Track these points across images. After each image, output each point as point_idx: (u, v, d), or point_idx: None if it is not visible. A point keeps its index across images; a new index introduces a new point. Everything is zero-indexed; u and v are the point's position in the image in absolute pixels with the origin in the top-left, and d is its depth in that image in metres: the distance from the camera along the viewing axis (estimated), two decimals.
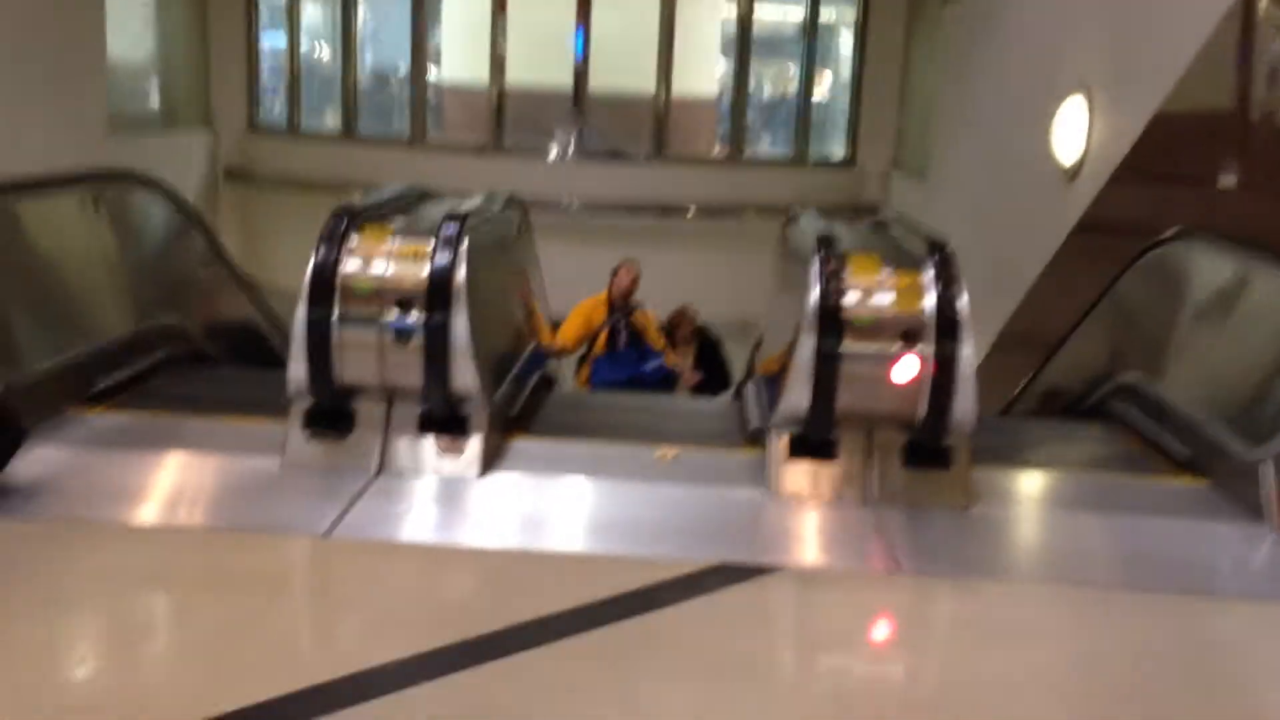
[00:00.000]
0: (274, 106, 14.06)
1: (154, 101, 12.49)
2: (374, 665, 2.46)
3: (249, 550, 3.10)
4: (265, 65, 13.86)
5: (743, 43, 13.79)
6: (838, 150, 14.31)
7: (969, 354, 3.59)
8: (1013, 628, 2.93)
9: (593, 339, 7.52)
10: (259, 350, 5.69)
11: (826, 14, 14.44)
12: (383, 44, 14.86)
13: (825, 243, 3.73)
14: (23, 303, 4.09)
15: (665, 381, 7.50)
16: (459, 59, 14.22)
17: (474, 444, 3.72)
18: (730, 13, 13.78)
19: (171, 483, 3.60)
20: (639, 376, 7.20)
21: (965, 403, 3.60)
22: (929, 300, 3.61)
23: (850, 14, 14.12)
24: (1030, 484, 4.02)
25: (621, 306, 7.60)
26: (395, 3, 13.76)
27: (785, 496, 3.66)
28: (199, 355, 5.10)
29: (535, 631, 2.67)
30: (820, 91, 14.75)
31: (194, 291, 5.51)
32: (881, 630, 3.00)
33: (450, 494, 3.61)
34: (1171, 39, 5.81)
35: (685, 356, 8.09)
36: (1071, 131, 7.32)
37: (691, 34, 13.89)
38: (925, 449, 3.68)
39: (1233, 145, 5.47)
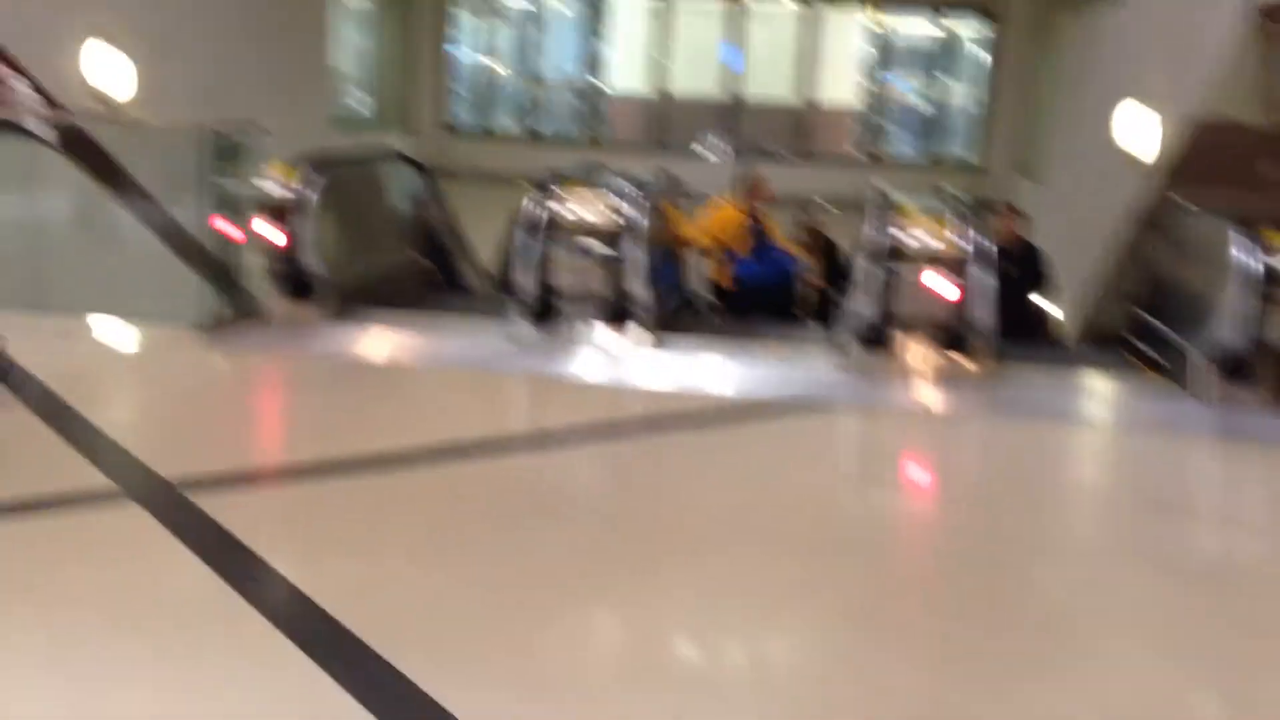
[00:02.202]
0: (462, 111, 16.43)
1: (363, 106, 14.94)
2: (563, 426, 4.28)
3: (496, 381, 4.98)
4: (456, 76, 16.23)
5: (879, 58, 15.41)
6: (968, 154, 15.74)
7: (985, 279, 5.18)
8: (991, 444, 4.56)
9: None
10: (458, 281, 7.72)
11: (964, 29, 15.91)
12: (555, 57, 17.07)
13: (884, 199, 5.37)
14: (351, 233, 6.12)
15: (795, 281, 7.73)
16: (626, 71, 16.33)
17: (643, 332, 5.52)
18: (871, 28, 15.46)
19: (443, 349, 5.48)
20: (785, 274, 7.57)
21: (984, 310, 5.19)
22: (960, 241, 5.22)
23: (981, 29, 15.56)
24: (1038, 375, 5.53)
25: (757, 212, 7.61)
26: (567, 22, 15.91)
27: (855, 373, 5.31)
28: (432, 279, 7.11)
29: (661, 425, 4.42)
30: (955, 101, 16.21)
31: (433, 234, 7.50)
32: (905, 438, 4.64)
33: (627, 361, 5.39)
34: (1197, 56, 7.13)
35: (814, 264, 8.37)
36: (1147, 135, 8.65)
37: (834, 50, 15.61)
38: (957, 342, 5.27)
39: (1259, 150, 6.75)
